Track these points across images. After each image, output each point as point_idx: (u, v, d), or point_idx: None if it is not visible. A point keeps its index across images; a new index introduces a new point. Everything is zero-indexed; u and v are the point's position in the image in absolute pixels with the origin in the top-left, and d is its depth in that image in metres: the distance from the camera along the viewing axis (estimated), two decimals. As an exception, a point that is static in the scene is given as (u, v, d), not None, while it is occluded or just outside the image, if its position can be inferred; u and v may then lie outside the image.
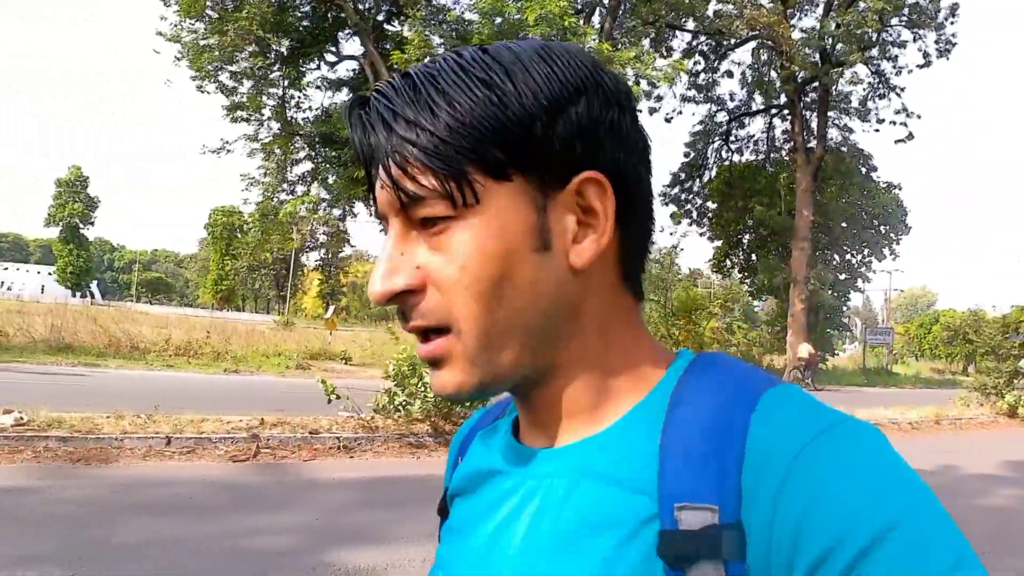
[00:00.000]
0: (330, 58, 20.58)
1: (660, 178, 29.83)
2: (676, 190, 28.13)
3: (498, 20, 17.07)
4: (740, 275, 31.93)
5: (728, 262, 31.30)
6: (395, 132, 0.47)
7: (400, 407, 7.56)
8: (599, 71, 0.51)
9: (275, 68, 20.34)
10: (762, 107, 27.59)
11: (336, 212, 20.44)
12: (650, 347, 0.56)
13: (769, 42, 24.14)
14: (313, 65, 20.26)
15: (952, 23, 25.61)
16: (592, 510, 0.48)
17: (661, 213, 28.02)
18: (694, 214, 28.68)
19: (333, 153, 20.05)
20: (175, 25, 19.63)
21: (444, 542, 0.61)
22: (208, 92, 20.44)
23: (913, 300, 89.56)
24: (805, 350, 23.35)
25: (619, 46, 19.28)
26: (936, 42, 25.71)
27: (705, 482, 0.44)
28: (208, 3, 19.21)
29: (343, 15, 19.54)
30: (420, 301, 0.49)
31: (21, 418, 6.36)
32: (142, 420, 6.82)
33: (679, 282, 27.72)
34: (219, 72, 20.31)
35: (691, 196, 28.39)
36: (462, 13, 17.81)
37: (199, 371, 16.39)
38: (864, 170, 27.31)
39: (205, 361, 18.21)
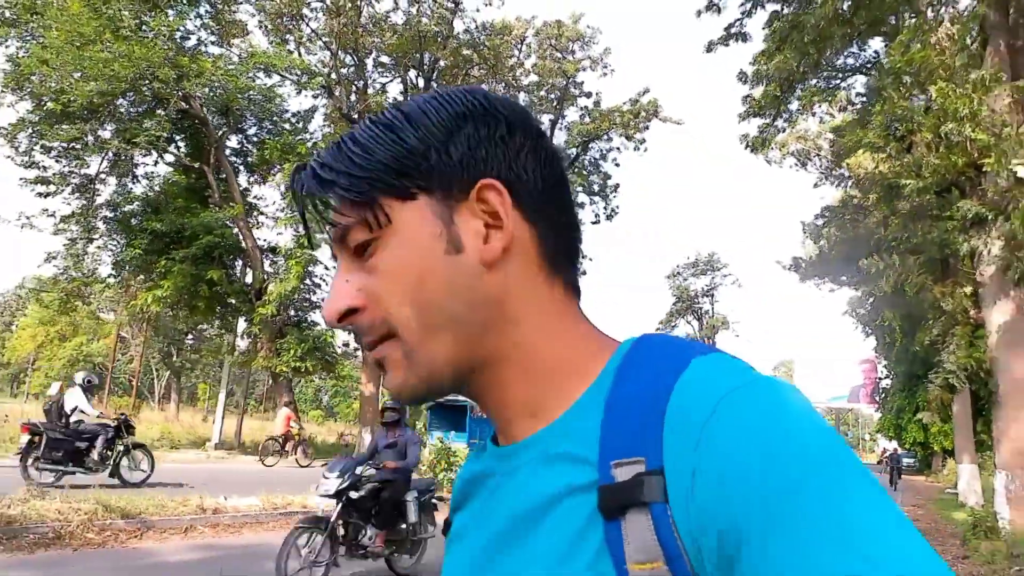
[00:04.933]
0: (170, 157, 21.66)
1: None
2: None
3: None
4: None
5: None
6: (324, 180, 0.57)
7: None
8: (489, 101, 0.61)
9: (90, 149, 20.60)
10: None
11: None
12: (595, 336, 0.61)
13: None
14: (151, 159, 21.14)
15: (615, 197, 36.01)
16: (547, 489, 0.53)
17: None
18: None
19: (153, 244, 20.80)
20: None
21: (447, 553, 0.66)
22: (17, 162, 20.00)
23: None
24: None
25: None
26: (604, 208, 35.87)
27: (635, 439, 0.49)
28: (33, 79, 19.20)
29: (188, 120, 21.11)
30: (366, 318, 0.57)
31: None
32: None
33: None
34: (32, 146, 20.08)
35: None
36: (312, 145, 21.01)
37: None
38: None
39: None
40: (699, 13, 13.27)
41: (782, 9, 13.01)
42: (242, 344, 24.17)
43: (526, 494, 0.55)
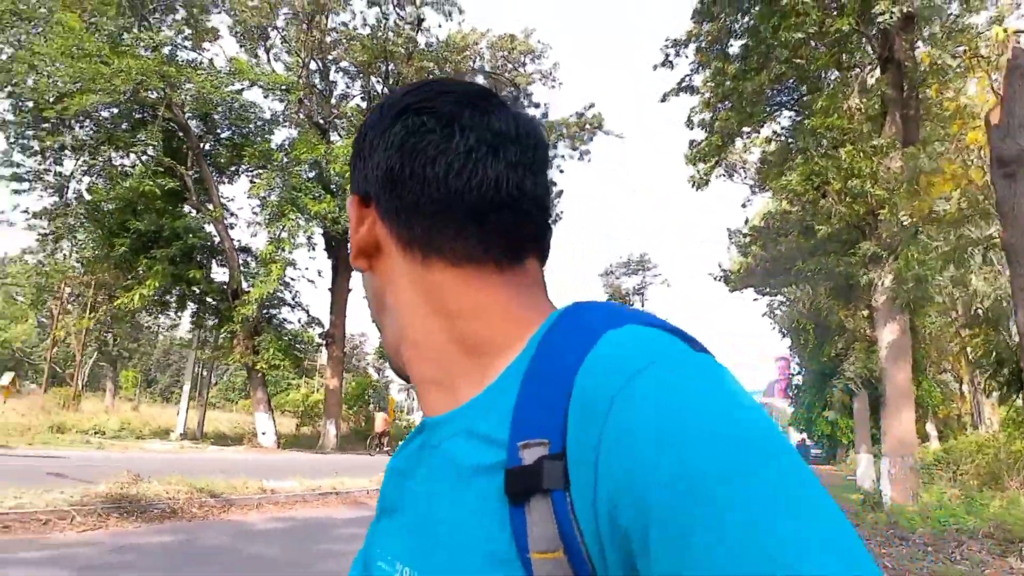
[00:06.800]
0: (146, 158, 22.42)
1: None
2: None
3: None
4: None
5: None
6: None
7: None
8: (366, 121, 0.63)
9: (68, 150, 21.32)
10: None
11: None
12: (517, 307, 0.58)
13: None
14: (128, 161, 21.88)
15: (558, 202, 38.36)
16: (462, 465, 0.52)
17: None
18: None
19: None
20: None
21: (374, 520, 0.65)
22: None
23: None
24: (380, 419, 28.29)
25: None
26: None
27: (541, 420, 0.47)
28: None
29: (168, 124, 21.92)
30: None
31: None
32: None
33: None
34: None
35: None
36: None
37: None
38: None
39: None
40: (655, 67, 15.49)
41: (724, 67, 15.34)
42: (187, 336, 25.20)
43: (446, 469, 0.55)
